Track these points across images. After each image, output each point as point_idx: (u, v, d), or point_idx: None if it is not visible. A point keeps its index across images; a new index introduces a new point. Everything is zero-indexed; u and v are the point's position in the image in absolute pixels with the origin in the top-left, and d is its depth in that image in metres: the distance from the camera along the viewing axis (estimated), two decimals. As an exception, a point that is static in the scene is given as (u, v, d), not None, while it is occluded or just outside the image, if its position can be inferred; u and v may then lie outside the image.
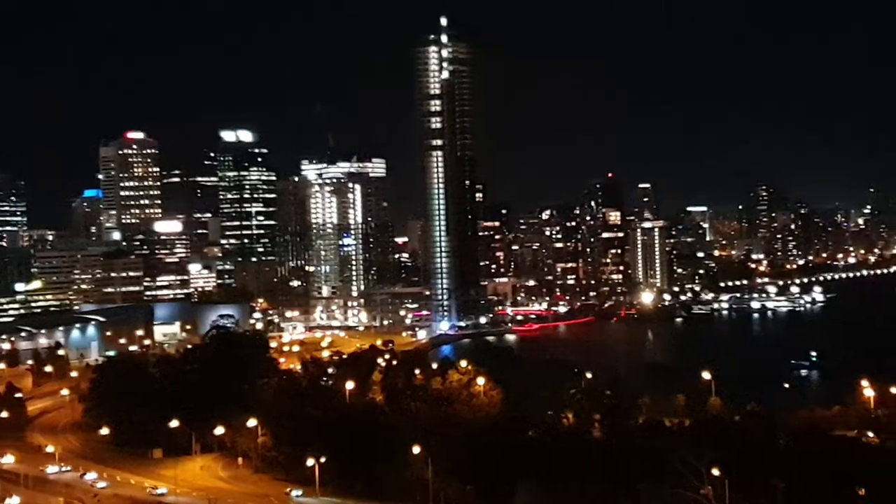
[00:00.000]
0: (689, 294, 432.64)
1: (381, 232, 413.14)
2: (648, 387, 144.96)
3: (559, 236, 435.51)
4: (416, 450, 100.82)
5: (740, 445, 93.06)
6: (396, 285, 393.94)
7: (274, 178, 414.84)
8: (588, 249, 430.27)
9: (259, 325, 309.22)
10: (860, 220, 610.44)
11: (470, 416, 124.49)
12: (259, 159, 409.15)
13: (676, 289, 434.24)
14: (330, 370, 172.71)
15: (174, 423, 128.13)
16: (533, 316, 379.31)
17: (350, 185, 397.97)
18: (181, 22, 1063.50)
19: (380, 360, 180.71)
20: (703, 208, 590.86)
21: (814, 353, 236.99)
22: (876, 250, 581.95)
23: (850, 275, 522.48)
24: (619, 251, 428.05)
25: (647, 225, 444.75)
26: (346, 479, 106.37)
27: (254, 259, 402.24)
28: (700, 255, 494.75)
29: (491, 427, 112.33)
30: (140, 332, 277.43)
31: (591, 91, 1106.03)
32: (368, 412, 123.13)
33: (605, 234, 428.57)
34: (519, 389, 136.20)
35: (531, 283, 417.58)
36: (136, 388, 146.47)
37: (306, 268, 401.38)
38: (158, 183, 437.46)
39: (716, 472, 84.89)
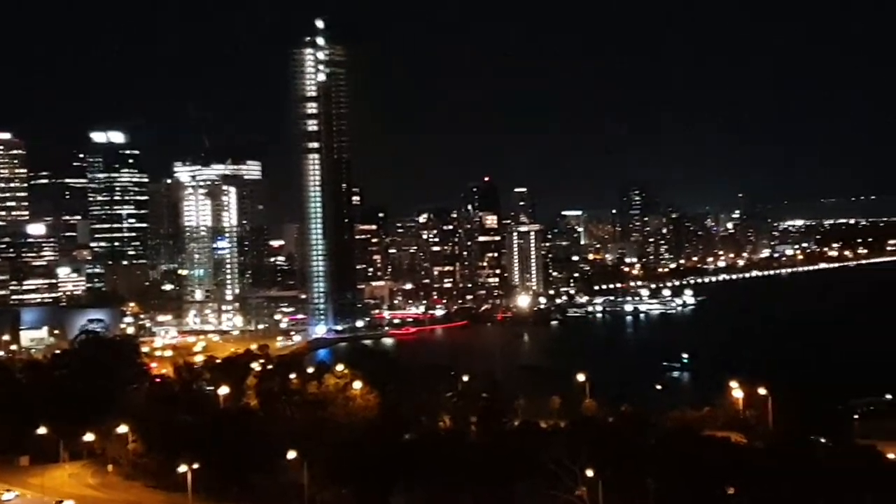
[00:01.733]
0: (565, 297, 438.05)
1: (256, 235, 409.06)
2: (524, 389, 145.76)
3: (436, 239, 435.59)
4: (291, 455, 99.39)
5: (614, 446, 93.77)
6: (272, 289, 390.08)
7: (146, 179, 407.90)
8: (465, 253, 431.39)
9: (130, 330, 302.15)
10: (729, 225, 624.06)
11: (346, 420, 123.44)
12: (130, 161, 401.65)
13: (552, 292, 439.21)
14: (203, 375, 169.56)
15: (42, 430, 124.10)
16: (410, 319, 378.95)
17: (224, 187, 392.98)
18: (51, 21, 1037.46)
19: (254, 365, 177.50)
20: (579, 212, 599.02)
21: (685, 355, 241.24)
22: (744, 254, 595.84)
23: (720, 278, 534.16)
24: (496, 255, 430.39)
25: (523, 229, 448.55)
26: (219, 485, 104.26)
27: (125, 262, 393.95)
28: (575, 258, 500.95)
29: (367, 431, 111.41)
30: (6, 338, 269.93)
31: (473, 93, 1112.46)
32: (243, 417, 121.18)
33: (481, 238, 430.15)
34: (396, 393, 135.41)
35: (408, 286, 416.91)
36: (1, 394, 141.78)
37: (179, 271, 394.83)
38: (25, 184, 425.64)
39: (590, 472, 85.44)
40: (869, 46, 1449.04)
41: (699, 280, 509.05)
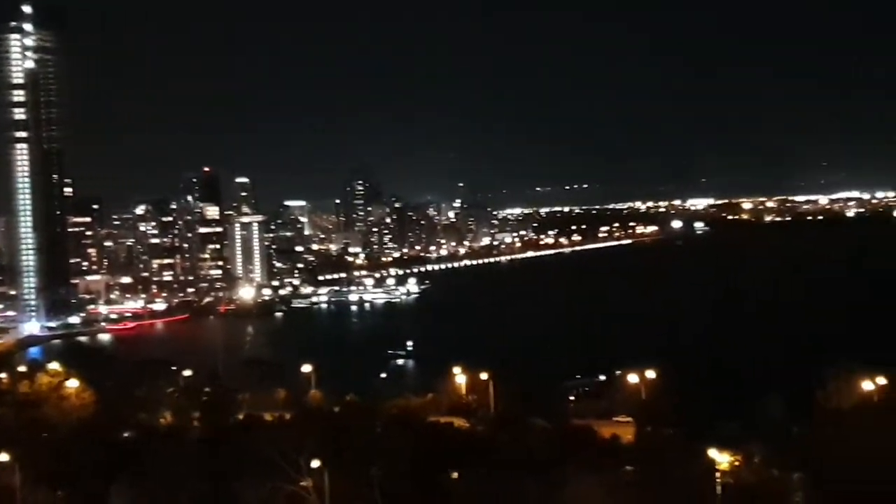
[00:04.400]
0: (289, 288, 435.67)
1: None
2: (249, 382, 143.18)
3: (155, 231, 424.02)
4: (2, 458, 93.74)
5: (340, 436, 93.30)
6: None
7: None
8: (185, 245, 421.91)
9: None
10: (451, 214, 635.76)
11: (60, 419, 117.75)
12: None
13: (276, 283, 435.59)
14: None
15: None
16: (128, 314, 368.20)
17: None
18: None
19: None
20: (302, 203, 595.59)
21: (410, 343, 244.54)
22: (466, 242, 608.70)
23: (443, 266, 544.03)
24: (218, 246, 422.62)
25: (245, 220, 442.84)
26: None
27: None
28: (299, 249, 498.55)
29: (82, 430, 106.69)
30: None
31: (193, 83, 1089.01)
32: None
33: (202, 230, 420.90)
34: (114, 390, 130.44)
35: (126, 280, 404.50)
36: None
37: None
38: None
39: (316, 463, 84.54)
40: (576, 41, 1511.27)
41: (423, 269, 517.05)
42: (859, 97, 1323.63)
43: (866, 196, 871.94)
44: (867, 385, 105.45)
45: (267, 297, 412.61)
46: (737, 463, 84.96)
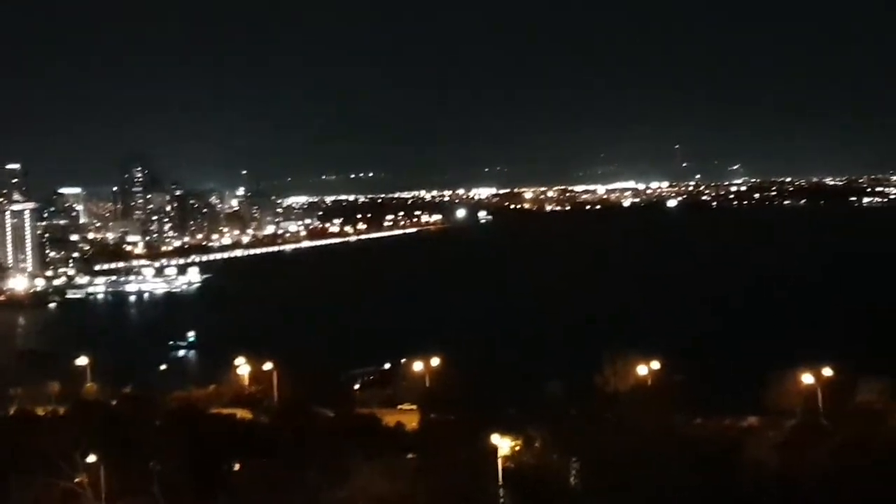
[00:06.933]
0: (64, 278, 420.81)
1: None
2: (21, 376, 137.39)
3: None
4: None
5: (117, 430, 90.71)
6: None
7: None
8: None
9: None
10: (234, 202, 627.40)
11: None
12: None
13: (50, 273, 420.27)
14: None
15: None
16: None
17: None
18: None
19: None
20: (77, 190, 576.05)
21: (191, 334, 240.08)
22: (249, 231, 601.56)
23: (226, 255, 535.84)
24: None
25: (16, 207, 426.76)
26: None
27: None
28: (74, 238, 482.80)
29: None
30: None
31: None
32: None
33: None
34: None
35: None
36: None
37: None
38: None
39: (92, 458, 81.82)
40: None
41: (205, 258, 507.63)
42: (634, 90, 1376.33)
43: (641, 186, 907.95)
44: (642, 370, 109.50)
45: (40, 288, 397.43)
46: (518, 448, 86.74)
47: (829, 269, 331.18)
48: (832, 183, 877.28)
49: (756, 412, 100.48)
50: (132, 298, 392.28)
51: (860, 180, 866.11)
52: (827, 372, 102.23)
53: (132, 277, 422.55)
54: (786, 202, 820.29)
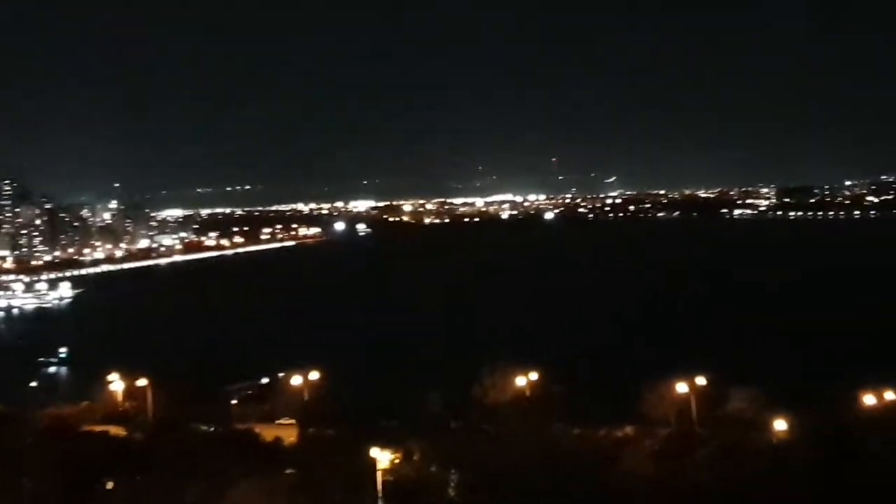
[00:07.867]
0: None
1: None
2: None
3: None
4: None
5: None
6: None
7: None
8: None
9: None
10: (107, 216, 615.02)
11: None
12: None
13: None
14: None
15: None
16: None
17: None
18: None
19: None
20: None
21: (63, 350, 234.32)
22: (123, 245, 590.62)
23: (99, 270, 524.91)
24: None
25: None
26: None
27: None
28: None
29: None
30: None
31: None
32: None
33: None
34: None
35: None
36: None
37: None
38: None
39: (-43, 479, 79.40)
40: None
41: (77, 272, 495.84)
42: (511, 103, 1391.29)
43: (519, 199, 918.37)
44: (520, 381, 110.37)
45: None
46: (397, 461, 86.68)
47: (700, 281, 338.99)
48: (704, 195, 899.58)
49: (633, 422, 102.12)
50: (1, 314, 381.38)
51: (731, 192, 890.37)
52: (700, 381, 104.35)
53: (0, 293, 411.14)
54: (660, 214, 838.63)
